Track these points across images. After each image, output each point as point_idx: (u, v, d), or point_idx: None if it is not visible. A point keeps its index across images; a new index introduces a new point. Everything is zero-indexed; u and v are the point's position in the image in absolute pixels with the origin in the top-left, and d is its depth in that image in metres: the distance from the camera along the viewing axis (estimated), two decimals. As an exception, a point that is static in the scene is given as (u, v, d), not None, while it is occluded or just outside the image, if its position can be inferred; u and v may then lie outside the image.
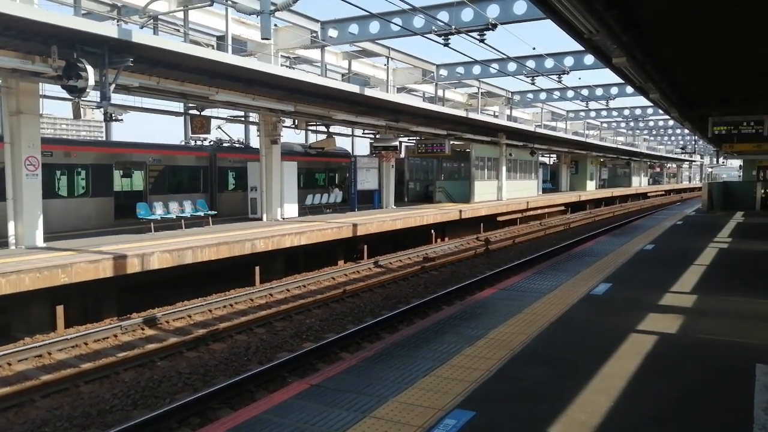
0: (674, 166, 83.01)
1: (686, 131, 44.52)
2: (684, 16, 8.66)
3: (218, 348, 9.60)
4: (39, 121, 12.85)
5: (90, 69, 10.41)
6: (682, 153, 65.90)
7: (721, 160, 58.14)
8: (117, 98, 13.58)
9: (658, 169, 74.55)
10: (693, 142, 55.76)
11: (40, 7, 12.43)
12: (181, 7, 15.58)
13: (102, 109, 11.76)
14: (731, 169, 74.99)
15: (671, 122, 43.77)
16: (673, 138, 63.37)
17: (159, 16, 16.21)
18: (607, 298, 8.26)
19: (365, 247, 18.57)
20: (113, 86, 11.34)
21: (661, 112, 28.38)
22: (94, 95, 11.28)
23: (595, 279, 9.67)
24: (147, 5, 14.60)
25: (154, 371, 8.53)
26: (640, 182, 61.70)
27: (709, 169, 77.70)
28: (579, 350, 5.89)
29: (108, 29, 10.61)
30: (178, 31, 18.02)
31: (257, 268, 14.50)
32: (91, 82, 10.48)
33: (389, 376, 5.20)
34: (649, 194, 59.91)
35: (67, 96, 11.33)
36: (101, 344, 9.86)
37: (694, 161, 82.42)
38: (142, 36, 11.16)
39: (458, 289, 13.17)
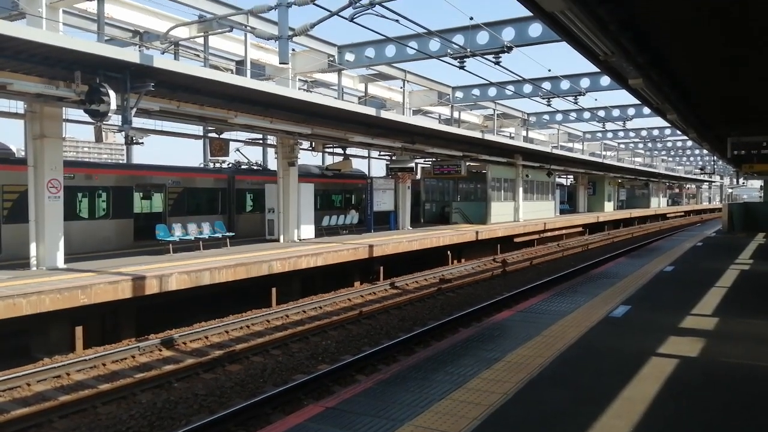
0: (693, 186, 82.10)
1: (705, 152, 44.11)
2: (702, 37, 8.65)
3: (234, 369, 9.60)
4: (62, 145, 13.12)
5: (112, 93, 10.64)
6: (701, 174, 65.25)
7: (741, 180, 57.42)
8: (138, 122, 13.84)
9: (677, 190, 73.77)
10: (712, 163, 55.21)
11: (64, 33, 12.78)
12: (201, 33, 15.89)
13: (123, 133, 11.99)
14: (752, 189, 73.92)
15: (690, 143, 43.39)
16: (692, 158, 62.77)
17: (180, 42, 16.54)
18: (626, 321, 8.15)
19: (381, 268, 18.55)
20: (134, 110, 11.57)
21: (679, 132, 28.20)
22: (115, 119, 11.52)
23: (614, 301, 9.56)
24: (168, 31, 14.90)
25: (171, 393, 8.55)
26: (658, 203, 61.05)
27: (729, 190, 76.73)
28: (598, 374, 5.81)
29: (130, 55, 10.87)
30: (198, 56, 18.35)
31: (274, 290, 14.54)
32: (113, 106, 10.70)
33: (405, 399, 5.16)
34: (668, 215, 59.24)
35: (89, 120, 11.58)
36: (119, 365, 9.92)
37: (714, 182, 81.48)
38: (163, 61, 11.40)
39: (475, 311, 13.06)
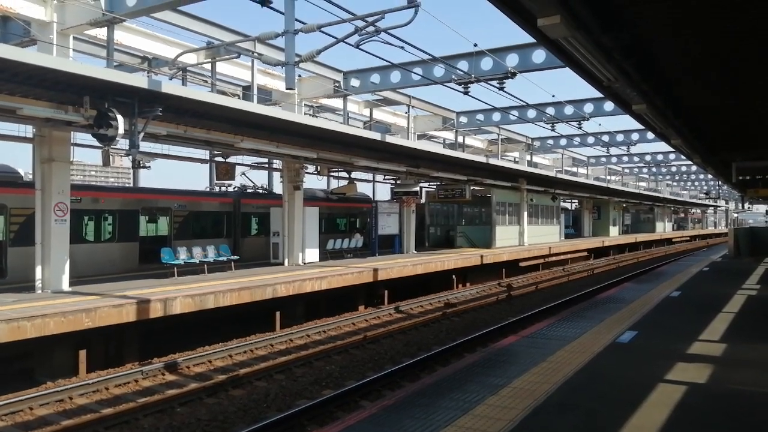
0: (699, 211, 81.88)
1: (710, 176, 44.09)
2: (705, 64, 8.71)
3: (237, 394, 9.53)
4: (69, 169, 13.24)
5: (120, 118, 10.77)
6: (706, 198, 65.13)
7: (746, 205, 57.24)
8: (145, 146, 13.93)
9: (682, 215, 73.60)
10: (717, 188, 55.12)
11: (74, 59, 12.97)
12: (209, 59, 16.10)
13: (130, 157, 12.08)
14: (758, 214, 73.65)
15: (694, 167, 43.41)
16: (696, 183, 62.74)
17: (188, 68, 16.75)
18: (633, 347, 8.08)
19: (386, 292, 18.48)
20: (142, 135, 11.68)
21: (683, 157, 28.22)
22: (123, 143, 11.64)
23: (621, 326, 9.48)
24: (176, 57, 15.11)
25: (174, 417, 8.48)
26: (664, 228, 60.87)
27: (735, 215, 76.43)
28: (605, 400, 5.75)
29: (138, 80, 11.00)
30: (206, 81, 18.57)
31: (278, 313, 14.49)
32: (121, 130, 10.82)
33: (410, 425, 5.11)
34: (673, 240, 59.01)
35: (97, 144, 11.69)
36: (122, 389, 9.86)
37: (719, 206, 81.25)
38: (171, 87, 11.54)
39: (480, 336, 12.97)
